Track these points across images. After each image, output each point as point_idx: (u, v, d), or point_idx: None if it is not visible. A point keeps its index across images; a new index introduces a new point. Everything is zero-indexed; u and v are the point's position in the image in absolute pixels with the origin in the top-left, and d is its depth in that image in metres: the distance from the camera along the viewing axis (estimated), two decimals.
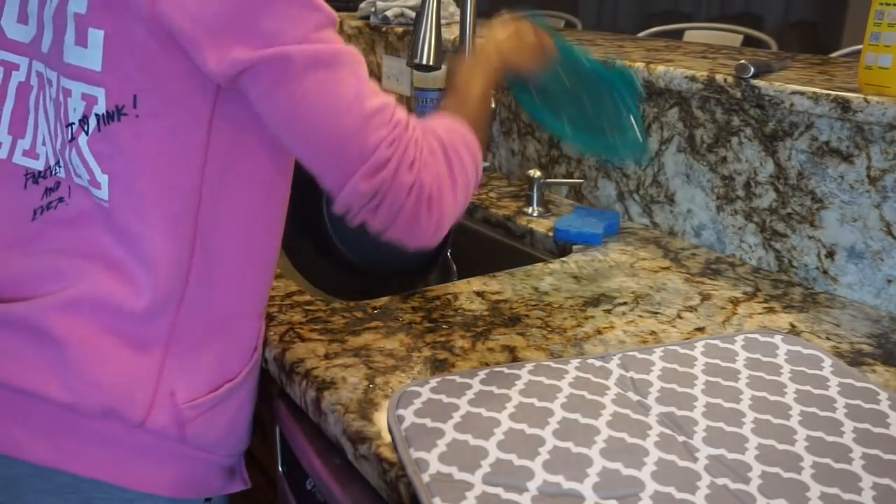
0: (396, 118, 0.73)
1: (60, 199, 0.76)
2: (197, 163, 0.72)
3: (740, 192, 1.14)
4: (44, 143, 0.77)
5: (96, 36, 0.68)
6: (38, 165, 0.77)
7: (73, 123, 0.72)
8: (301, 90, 0.67)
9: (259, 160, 0.75)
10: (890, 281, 0.99)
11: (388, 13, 1.89)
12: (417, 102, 1.66)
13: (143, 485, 0.76)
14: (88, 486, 0.75)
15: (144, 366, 0.74)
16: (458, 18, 1.91)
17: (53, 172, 0.76)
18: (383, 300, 0.97)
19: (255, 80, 0.67)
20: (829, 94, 0.99)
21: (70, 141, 0.72)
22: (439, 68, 1.29)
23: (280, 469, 0.94)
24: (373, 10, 1.94)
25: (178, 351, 0.75)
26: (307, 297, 0.98)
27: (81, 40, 0.69)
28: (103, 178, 0.72)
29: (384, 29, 1.89)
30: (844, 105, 0.97)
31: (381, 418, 0.73)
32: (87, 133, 0.71)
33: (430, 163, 0.74)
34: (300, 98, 0.68)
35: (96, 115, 0.70)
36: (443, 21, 1.87)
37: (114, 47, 0.68)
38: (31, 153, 0.77)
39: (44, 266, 0.76)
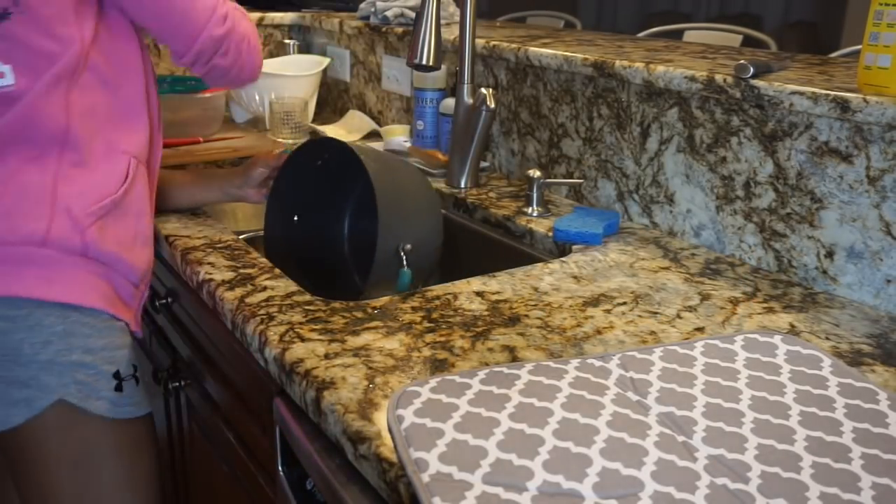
0: None
1: None
2: (76, 34, 0.96)
3: (740, 192, 1.14)
4: None
5: None
6: None
7: None
8: None
9: (122, 31, 1.03)
10: (889, 281, 0.99)
11: (388, 13, 1.89)
12: (417, 102, 1.66)
13: (56, 294, 0.94)
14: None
15: (41, 185, 0.95)
16: (458, 18, 1.91)
17: None
18: (383, 300, 0.97)
19: None
20: (828, 95, 0.99)
21: None
22: (439, 68, 1.29)
23: (280, 469, 0.94)
24: (373, 10, 1.95)
25: (67, 174, 0.97)
26: (307, 297, 0.98)
27: None
28: (6, 68, 0.94)
29: (384, 29, 1.89)
30: (844, 105, 0.97)
31: (380, 418, 0.73)
32: None
33: (247, 19, 1.06)
34: None
35: None
36: (443, 21, 1.87)
37: None
38: None
39: None
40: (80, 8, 0.97)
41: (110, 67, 1.02)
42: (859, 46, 1.02)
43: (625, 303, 0.99)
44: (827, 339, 0.91)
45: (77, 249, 0.96)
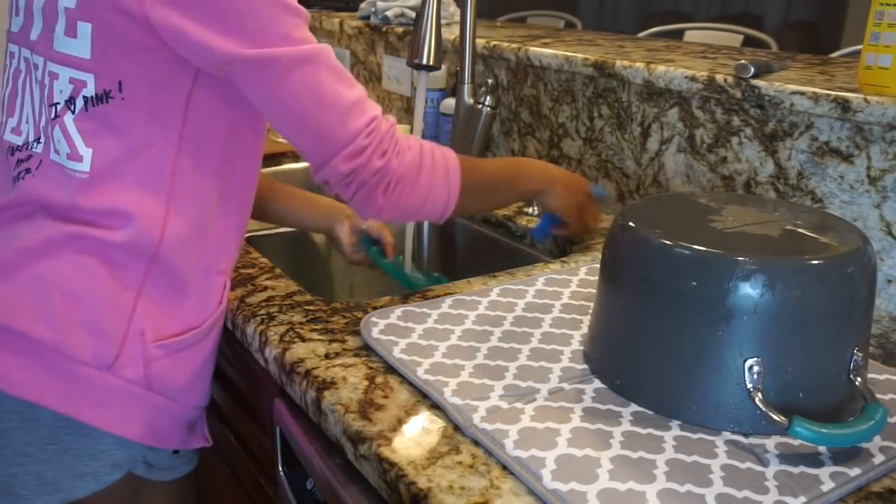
0: (372, 111, 0.84)
1: (28, 171, 0.86)
2: (173, 138, 0.83)
3: (741, 193, 1.14)
4: (27, 122, 0.87)
5: (85, 28, 0.79)
6: (19, 140, 0.87)
7: (59, 103, 0.82)
8: (289, 87, 0.79)
9: (230, 136, 0.87)
10: (890, 281, 0.99)
11: (389, 13, 1.89)
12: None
13: (112, 426, 0.85)
14: (67, 438, 0.84)
15: (120, 305, 0.83)
16: (458, 18, 1.91)
17: (30, 147, 0.86)
18: (384, 300, 0.97)
19: (245, 76, 0.79)
20: (829, 94, 0.99)
21: (54, 118, 0.83)
22: (439, 68, 1.29)
23: (280, 469, 0.94)
24: (373, 10, 1.94)
25: (150, 297, 0.85)
26: (307, 297, 0.98)
27: (71, 32, 0.80)
28: (87, 152, 0.82)
29: (384, 29, 1.89)
30: (844, 105, 0.97)
31: (381, 418, 0.73)
32: (73, 112, 0.82)
33: (405, 156, 0.86)
34: (288, 94, 0.80)
35: (84, 97, 0.81)
36: (443, 21, 1.87)
37: (101, 39, 0.79)
38: (16, 130, 0.88)
39: (26, 224, 0.85)
40: (191, 102, 0.83)
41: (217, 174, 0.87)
42: (860, 46, 1.02)
43: None
44: None
45: (140, 383, 0.85)
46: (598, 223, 1.17)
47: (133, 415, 0.86)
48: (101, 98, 0.82)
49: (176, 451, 0.94)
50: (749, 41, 2.59)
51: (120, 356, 0.83)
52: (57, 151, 0.84)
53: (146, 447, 0.90)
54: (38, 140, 0.85)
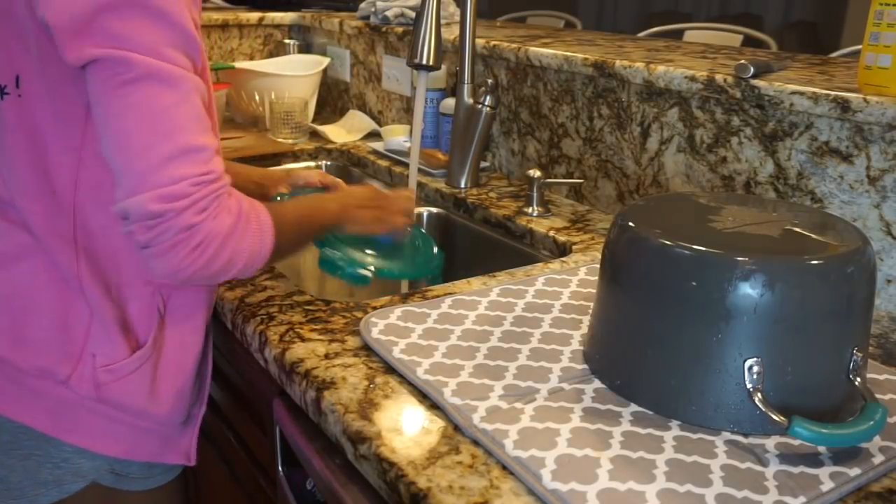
0: (212, 166, 0.75)
1: None
2: (75, 144, 0.78)
3: (740, 193, 1.14)
4: None
5: None
6: None
7: None
8: (128, 96, 0.71)
9: None
10: (889, 281, 0.99)
11: (388, 13, 1.89)
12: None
13: (71, 437, 0.84)
14: (28, 444, 0.84)
15: (75, 324, 0.82)
16: (458, 18, 1.90)
17: None
18: (383, 300, 0.97)
19: (96, 74, 0.72)
20: (828, 94, 0.99)
21: None
22: (439, 68, 1.29)
23: (280, 469, 0.94)
24: (373, 10, 1.94)
25: (98, 317, 0.82)
26: (307, 297, 0.98)
27: None
28: None
29: (384, 29, 1.89)
30: (844, 105, 0.97)
31: (381, 418, 0.73)
32: None
33: (222, 220, 0.75)
34: (125, 103, 0.71)
35: None
36: (443, 21, 1.87)
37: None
38: None
39: None
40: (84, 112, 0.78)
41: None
42: (859, 46, 1.02)
43: None
44: None
45: (93, 397, 0.83)
46: (408, 201, 1.08)
47: (91, 428, 0.84)
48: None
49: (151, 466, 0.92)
50: (749, 41, 2.59)
51: (73, 374, 0.82)
52: None
53: (112, 458, 0.88)
54: None
